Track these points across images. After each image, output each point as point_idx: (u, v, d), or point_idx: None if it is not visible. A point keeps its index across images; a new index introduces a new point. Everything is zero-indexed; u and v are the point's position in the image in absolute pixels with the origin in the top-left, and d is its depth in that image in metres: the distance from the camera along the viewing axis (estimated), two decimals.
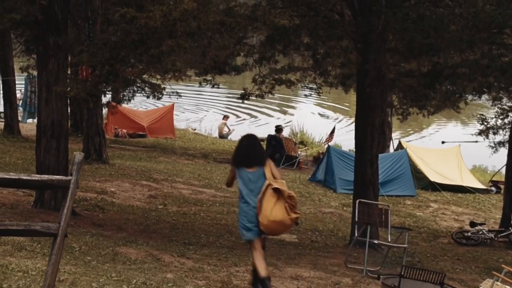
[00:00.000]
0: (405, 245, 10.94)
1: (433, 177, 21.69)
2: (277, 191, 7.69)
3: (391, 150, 24.48)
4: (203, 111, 39.88)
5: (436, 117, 31.97)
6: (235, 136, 31.98)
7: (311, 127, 33.16)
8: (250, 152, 7.97)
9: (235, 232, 12.93)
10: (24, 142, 21.65)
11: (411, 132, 37.19)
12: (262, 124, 37.11)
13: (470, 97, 15.89)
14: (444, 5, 11.24)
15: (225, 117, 31.75)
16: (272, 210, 7.62)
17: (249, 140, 8.10)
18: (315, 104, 44.11)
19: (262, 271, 7.58)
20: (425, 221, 17.07)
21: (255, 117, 39.14)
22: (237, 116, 38.62)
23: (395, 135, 31.90)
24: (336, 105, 44.40)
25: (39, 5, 11.61)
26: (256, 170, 7.89)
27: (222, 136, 30.81)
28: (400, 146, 23.43)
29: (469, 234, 14.87)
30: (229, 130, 31.08)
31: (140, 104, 36.39)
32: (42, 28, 11.90)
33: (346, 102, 43.92)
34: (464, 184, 21.73)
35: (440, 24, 10.73)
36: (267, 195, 7.69)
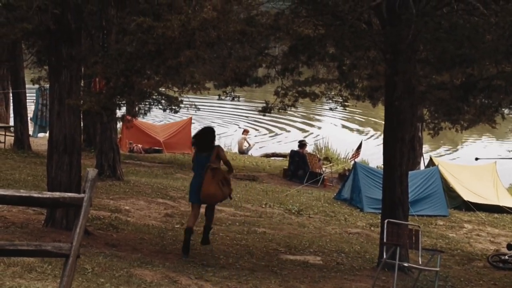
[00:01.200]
0: (437, 269, 10.84)
1: (467, 196, 21.53)
2: (213, 170, 11.21)
3: (422, 167, 24.33)
4: (223, 125, 39.95)
5: (470, 132, 31.77)
6: (257, 151, 31.98)
7: (337, 142, 33.09)
8: (203, 141, 11.62)
9: (256, 253, 12.89)
10: (35, 157, 21.80)
11: (443, 148, 36.98)
12: (284, 139, 37.10)
13: (506, 111, 15.78)
14: (479, 13, 11.19)
15: (245, 131, 31.73)
16: (209, 186, 11.23)
17: (203, 132, 11.81)
18: (341, 118, 44.03)
19: (189, 223, 11.64)
20: (459, 243, 16.92)
21: (277, 131, 39.15)
22: (258, 131, 38.65)
23: (426, 151, 31.73)
24: (363, 119, 44.29)
25: (52, 14, 11.72)
26: (206, 154, 11.46)
27: (242, 151, 30.81)
28: (431, 162, 23.30)
29: (507, 257, 14.71)
30: (250, 145, 31.06)
31: (163, 117, 36.53)
32: (54, 38, 12.00)
33: (373, 116, 43.79)
34: (501, 204, 21.53)
35: (475, 34, 10.68)
36: (207, 174, 11.27)
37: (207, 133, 11.72)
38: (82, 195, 5.33)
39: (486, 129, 27.83)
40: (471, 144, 38.41)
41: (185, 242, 11.57)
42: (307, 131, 39.77)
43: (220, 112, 43.61)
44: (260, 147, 33.60)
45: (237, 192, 19.83)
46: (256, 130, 38.62)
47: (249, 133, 31.99)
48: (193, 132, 30.61)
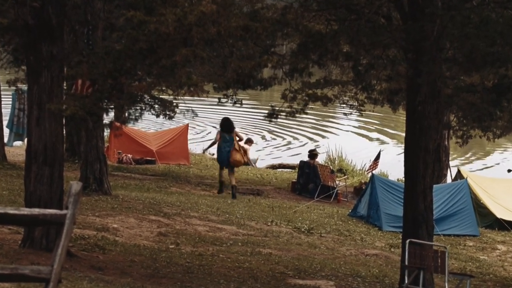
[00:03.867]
0: None
1: (500, 213, 21.47)
2: (238, 148, 20.91)
3: (449, 180, 24.27)
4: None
5: (504, 140, 31.74)
6: (262, 162, 31.96)
7: (352, 152, 33.05)
8: (226, 125, 21.12)
9: (260, 278, 12.88)
10: (11, 169, 21.81)
11: (473, 158, 36.93)
12: (292, 148, 37.09)
13: None
14: None
15: (249, 142, 31.52)
16: (236, 155, 20.83)
17: (226, 120, 21.47)
18: (357, 125, 44.03)
19: (233, 181, 20.94)
20: (491, 267, 16.87)
21: (286, 139, 39.16)
22: (264, 138, 38.66)
23: (454, 162, 31.67)
24: (382, 126, 44.26)
25: (30, 8, 11.74)
26: (230, 134, 20.78)
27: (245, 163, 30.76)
28: (459, 175, 23.26)
29: None
30: (248, 159, 30.87)
31: (156, 124, 36.56)
32: (33, 34, 12.02)
33: (393, 123, 43.74)
34: None
35: (508, 30, 10.69)
36: (234, 148, 20.78)
37: (229, 120, 21.62)
38: (64, 211, 5.33)
39: None
40: (505, 154, 38.35)
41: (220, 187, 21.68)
42: (318, 139, 39.77)
43: (220, 118, 43.63)
44: (268, 154, 33.56)
45: (240, 208, 19.82)
46: (263, 138, 38.61)
47: (253, 144, 31.82)
48: (190, 140, 30.64)
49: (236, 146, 20.97)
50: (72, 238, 13.00)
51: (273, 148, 36.69)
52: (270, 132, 39.68)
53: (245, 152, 22.06)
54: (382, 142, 39.85)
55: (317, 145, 35.90)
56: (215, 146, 22.26)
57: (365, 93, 15.06)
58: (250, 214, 19.10)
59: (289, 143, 38.69)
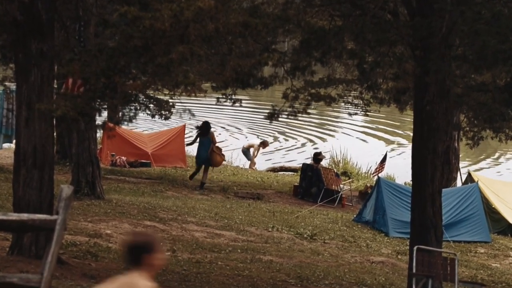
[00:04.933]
0: None
1: None
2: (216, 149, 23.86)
3: (459, 183, 24.27)
4: (222, 134, 39.97)
5: None
6: (262, 165, 31.94)
7: (357, 154, 33.05)
8: (204, 129, 23.92)
9: (261, 286, 12.88)
10: None
11: (484, 161, 36.93)
12: (294, 150, 37.09)
13: None
14: None
15: (263, 144, 31.45)
16: (216, 157, 23.85)
17: (203, 125, 24.17)
18: (362, 126, 44.04)
19: (204, 178, 23.95)
20: (503, 275, 16.88)
21: (286, 141, 39.18)
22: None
23: (464, 164, 31.65)
24: (388, 127, 44.27)
25: (19, 3, 11.75)
26: (206, 137, 23.80)
27: (245, 153, 30.71)
28: (470, 178, 23.27)
29: None
30: (255, 156, 30.93)
31: (151, 125, 36.53)
32: (22, 31, 12.03)
33: (400, 123, 43.74)
34: None
35: None
36: (212, 150, 23.70)
37: (207, 126, 24.23)
38: (54, 217, 5.33)
39: None
40: None
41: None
42: (320, 141, 39.76)
43: (218, 119, 43.65)
44: (268, 160, 33.58)
45: (239, 213, 19.83)
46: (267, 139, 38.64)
47: (266, 147, 31.84)
48: (187, 141, 30.63)
49: (214, 148, 23.93)
50: (62, 244, 13.00)
51: (272, 150, 36.67)
52: (267, 134, 39.68)
53: (220, 150, 24.52)
54: (389, 144, 39.85)
55: (316, 147, 35.89)
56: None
57: (370, 92, 15.07)
58: (250, 220, 19.11)
59: (290, 145, 38.67)
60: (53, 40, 12.36)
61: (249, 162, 30.88)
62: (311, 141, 39.62)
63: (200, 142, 24.14)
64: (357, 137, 41.54)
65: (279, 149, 37.02)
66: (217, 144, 24.68)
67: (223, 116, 43.73)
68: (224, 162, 27.27)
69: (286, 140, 39.33)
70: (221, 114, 43.85)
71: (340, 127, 44.45)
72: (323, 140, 40.12)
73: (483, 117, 15.62)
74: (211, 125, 25.19)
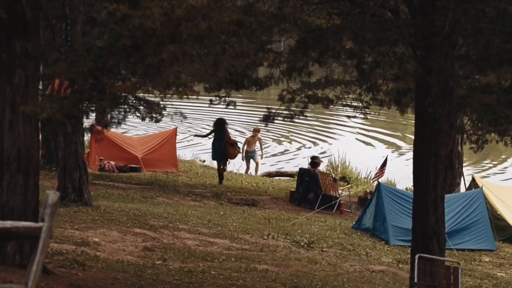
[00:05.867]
0: None
1: None
2: (230, 143, 26.51)
3: (462, 189, 24.29)
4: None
5: None
6: (264, 167, 31.91)
7: (356, 159, 33.08)
8: (218, 125, 26.44)
9: None
10: None
11: (489, 165, 36.97)
12: (291, 154, 37.10)
13: None
14: None
15: (257, 131, 31.03)
16: (230, 150, 26.22)
17: (218, 121, 26.70)
18: (361, 129, 44.08)
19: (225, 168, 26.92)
20: (509, 285, 16.89)
21: (282, 145, 39.18)
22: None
23: (468, 169, 31.68)
24: (389, 130, 44.31)
25: (2, 1, 11.75)
26: (221, 133, 26.25)
27: (249, 152, 30.19)
28: (474, 183, 23.29)
29: None
30: (261, 147, 30.58)
31: (141, 128, 36.51)
32: (5, 30, 12.01)
33: (401, 126, 43.78)
34: None
35: None
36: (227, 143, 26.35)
37: (222, 122, 26.55)
38: (40, 224, 5.32)
39: None
40: None
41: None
42: (318, 144, 39.79)
43: (212, 121, 43.64)
44: (262, 164, 33.60)
45: (233, 220, 19.83)
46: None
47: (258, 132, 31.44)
48: (179, 145, 30.60)
49: (229, 141, 26.32)
50: (48, 253, 12.99)
51: (270, 153, 36.68)
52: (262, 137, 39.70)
53: (235, 143, 26.90)
54: (389, 148, 39.88)
55: (309, 150, 35.91)
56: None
57: (370, 94, 15.08)
58: (244, 227, 19.11)
59: (285, 148, 38.68)
60: (39, 39, 12.35)
61: (255, 164, 30.53)
62: (312, 143, 39.64)
63: (215, 138, 26.49)
64: (356, 140, 41.58)
65: (276, 154, 37.03)
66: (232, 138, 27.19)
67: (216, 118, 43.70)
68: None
69: (281, 144, 39.35)
70: (214, 116, 43.86)
71: (339, 130, 44.48)
72: (321, 144, 40.14)
73: (488, 119, 15.62)
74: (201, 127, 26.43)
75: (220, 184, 26.20)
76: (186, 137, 38.63)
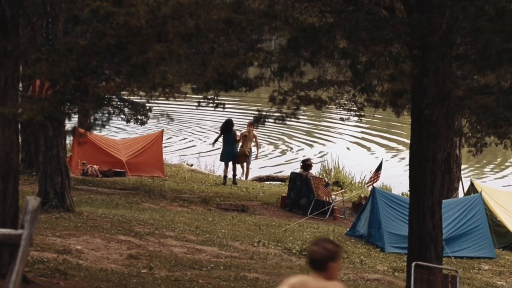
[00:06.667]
0: None
1: None
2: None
3: (461, 194, 24.33)
4: (204, 139, 39.98)
5: None
6: (255, 171, 31.88)
7: (350, 162, 33.12)
8: (227, 127, 27.63)
9: None
10: None
11: (488, 169, 37.06)
12: (282, 157, 37.10)
13: None
14: None
15: (251, 125, 30.52)
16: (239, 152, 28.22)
17: (226, 122, 27.80)
18: (355, 131, 44.13)
19: (234, 171, 28.13)
20: None
21: (275, 147, 39.19)
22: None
23: (466, 173, 31.74)
24: (384, 133, 44.37)
25: None
26: (230, 134, 27.73)
27: (243, 154, 29.79)
28: (472, 188, 23.33)
29: None
30: (257, 145, 30.30)
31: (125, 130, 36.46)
32: None
33: (397, 129, 43.85)
34: None
35: None
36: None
37: (230, 122, 27.87)
38: (19, 231, 5.31)
39: None
40: None
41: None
42: (310, 148, 39.81)
43: (200, 123, 43.66)
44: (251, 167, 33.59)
45: (222, 227, 19.82)
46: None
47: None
48: (165, 149, 30.57)
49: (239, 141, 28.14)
50: (28, 262, 12.96)
51: (260, 157, 36.68)
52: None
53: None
54: (384, 151, 39.93)
55: (304, 155, 35.92)
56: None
57: (364, 95, 15.09)
58: (233, 234, 19.10)
59: (276, 151, 38.70)
60: (18, 38, 12.33)
61: (246, 168, 30.37)
62: (303, 146, 39.65)
63: (224, 139, 27.89)
64: (350, 144, 41.62)
65: (267, 156, 37.04)
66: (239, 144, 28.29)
67: (205, 121, 43.74)
68: (206, 171, 30.26)
69: (274, 147, 39.35)
70: (203, 118, 43.87)
71: (332, 132, 44.51)
72: (314, 145, 40.17)
73: (487, 121, 15.68)
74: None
75: (234, 184, 27.67)
76: (170, 139, 38.64)
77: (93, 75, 11.06)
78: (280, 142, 40.30)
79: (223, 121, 28.57)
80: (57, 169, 19.40)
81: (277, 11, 11.61)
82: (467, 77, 14.44)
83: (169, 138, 38.45)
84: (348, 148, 39.79)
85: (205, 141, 39.23)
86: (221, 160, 28.28)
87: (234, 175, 28.05)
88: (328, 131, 44.88)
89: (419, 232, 12.55)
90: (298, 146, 40.01)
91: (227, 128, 27.72)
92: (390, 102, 16.51)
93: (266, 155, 36.94)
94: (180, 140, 39.80)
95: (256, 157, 30.48)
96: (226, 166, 27.80)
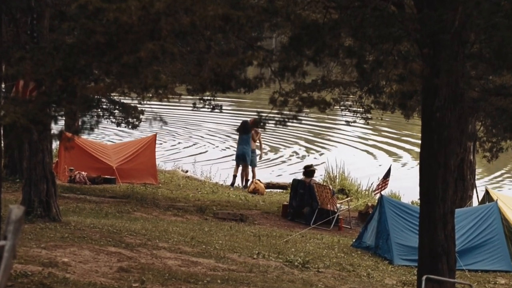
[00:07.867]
0: None
1: None
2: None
3: (475, 202, 24.33)
4: (200, 144, 40.00)
5: None
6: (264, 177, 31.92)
7: (356, 169, 33.14)
8: (245, 127, 28.77)
9: None
10: None
11: (505, 176, 37.07)
12: (283, 163, 37.12)
13: None
14: None
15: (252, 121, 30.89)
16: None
17: (243, 123, 29.69)
18: (361, 136, 44.15)
19: (247, 176, 29.94)
20: None
21: (275, 153, 39.21)
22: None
23: (480, 180, 31.75)
24: (392, 137, 44.39)
25: None
26: (247, 135, 29.32)
27: (250, 157, 30.01)
28: (488, 196, 23.33)
29: None
30: (260, 145, 30.66)
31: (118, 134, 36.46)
32: None
33: (406, 133, 43.87)
34: None
35: None
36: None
37: (246, 123, 28.72)
38: (2, 242, 5.31)
39: None
40: None
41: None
42: (313, 153, 39.82)
43: (196, 127, 43.69)
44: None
45: (219, 237, 19.82)
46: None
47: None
48: (158, 153, 30.58)
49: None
50: (11, 275, 12.96)
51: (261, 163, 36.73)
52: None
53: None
54: (393, 157, 39.95)
55: (304, 160, 35.95)
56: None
57: (371, 96, 15.11)
58: (231, 245, 19.10)
59: (278, 154, 38.72)
60: (1, 35, 12.34)
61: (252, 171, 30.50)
62: (306, 151, 39.67)
63: (240, 139, 29.49)
64: (356, 149, 41.63)
65: (268, 163, 37.08)
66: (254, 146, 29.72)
67: (202, 123, 43.76)
68: (202, 178, 30.70)
69: (274, 152, 39.38)
70: (199, 121, 43.89)
71: (337, 137, 44.53)
72: (318, 151, 40.19)
73: (503, 125, 15.70)
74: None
75: (245, 189, 28.90)
76: (164, 144, 38.66)
77: (81, 75, 11.07)
78: (282, 147, 40.32)
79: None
80: (43, 176, 19.41)
81: (278, 6, 11.63)
82: (481, 77, 14.46)
83: (163, 142, 38.51)
84: (354, 154, 39.80)
85: (201, 146, 39.27)
86: (236, 159, 29.70)
87: (247, 179, 29.25)
88: (333, 135, 44.90)
89: (430, 243, 12.55)
90: (300, 151, 40.02)
91: (244, 129, 28.99)
92: (399, 104, 16.52)
93: (268, 158, 37.00)
94: (174, 145, 39.83)
95: (260, 157, 30.74)
96: (238, 165, 29.28)
